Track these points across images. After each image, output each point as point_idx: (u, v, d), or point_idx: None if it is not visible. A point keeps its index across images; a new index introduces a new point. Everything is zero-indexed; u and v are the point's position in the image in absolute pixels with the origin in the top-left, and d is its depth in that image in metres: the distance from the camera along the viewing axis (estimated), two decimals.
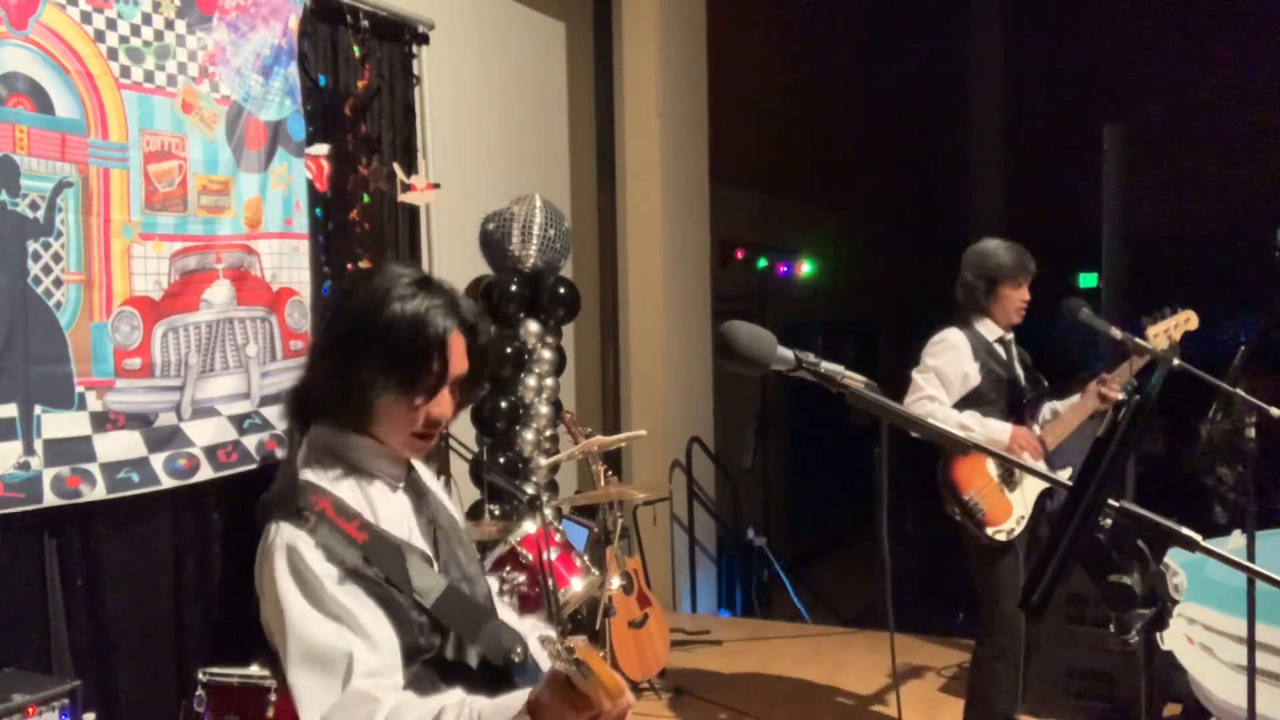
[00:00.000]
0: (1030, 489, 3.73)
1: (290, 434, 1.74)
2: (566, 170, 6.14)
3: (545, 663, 1.74)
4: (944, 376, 3.73)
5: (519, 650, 1.69)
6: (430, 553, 1.70)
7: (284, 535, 1.58)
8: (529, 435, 5.05)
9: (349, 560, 1.57)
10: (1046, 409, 3.86)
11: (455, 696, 1.56)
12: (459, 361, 1.68)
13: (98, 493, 3.17)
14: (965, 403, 3.75)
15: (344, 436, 1.69)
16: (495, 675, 1.67)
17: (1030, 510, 3.71)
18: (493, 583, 1.99)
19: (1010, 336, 3.85)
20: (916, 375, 3.79)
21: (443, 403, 1.68)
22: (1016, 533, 3.66)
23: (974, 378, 3.75)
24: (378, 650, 1.56)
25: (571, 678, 1.43)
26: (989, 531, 3.64)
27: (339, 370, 1.64)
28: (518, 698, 1.51)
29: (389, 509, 1.69)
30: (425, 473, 1.87)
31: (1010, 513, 3.67)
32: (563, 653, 1.41)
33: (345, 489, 1.65)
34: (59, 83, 3.09)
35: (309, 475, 1.65)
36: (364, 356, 1.62)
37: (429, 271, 1.76)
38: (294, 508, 1.59)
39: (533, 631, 1.88)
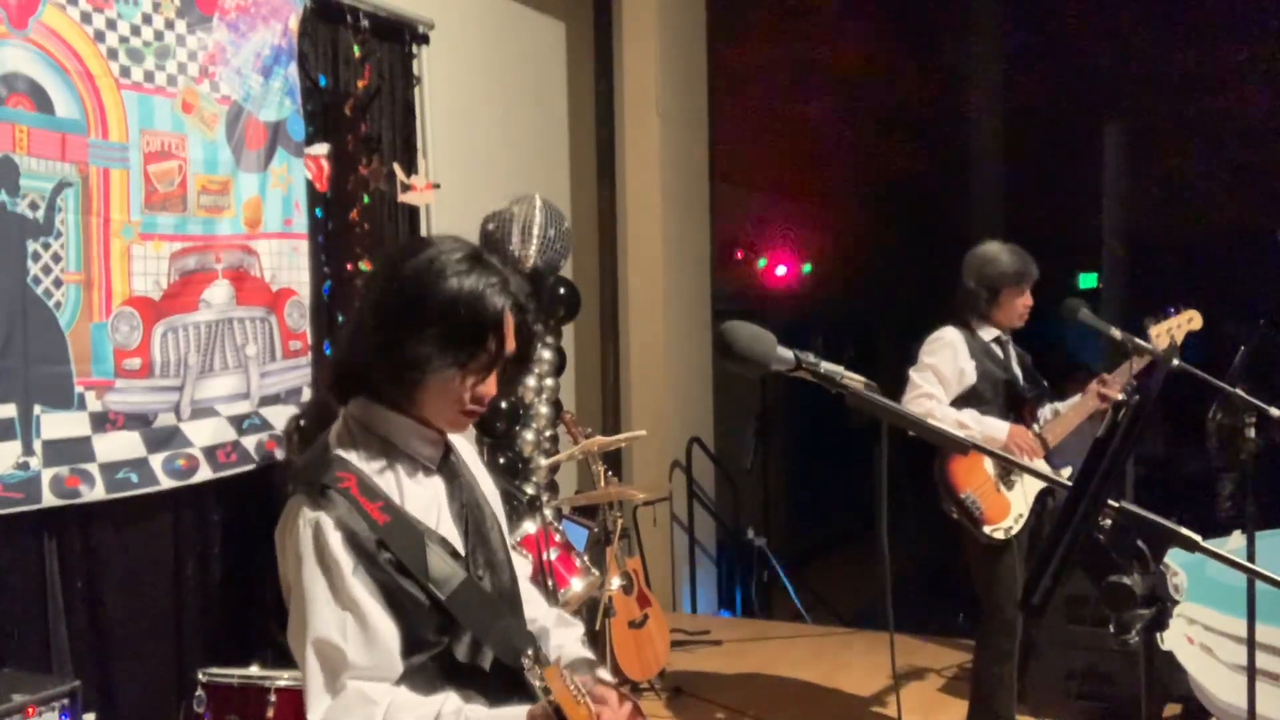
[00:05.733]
0: (1030, 487, 3.73)
1: (307, 416, 1.72)
2: (566, 170, 6.14)
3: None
4: (940, 374, 3.73)
5: (530, 653, 1.67)
6: (459, 539, 1.69)
7: (305, 514, 1.57)
8: (529, 435, 5.05)
9: (365, 543, 1.56)
10: (1047, 409, 3.86)
11: (452, 704, 1.56)
12: (509, 340, 1.68)
13: (97, 493, 3.18)
14: (962, 401, 3.75)
15: (382, 413, 1.67)
16: (507, 677, 1.65)
17: (1030, 509, 3.71)
18: None
19: (1007, 337, 3.86)
20: (913, 374, 3.79)
21: (491, 381, 1.67)
22: (1015, 531, 3.66)
23: (970, 375, 3.74)
24: (373, 646, 1.55)
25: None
26: (986, 530, 3.64)
27: (391, 344, 1.62)
28: (514, 715, 1.52)
29: (419, 494, 1.67)
30: (465, 449, 1.85)
31: (1008, 511, 3.67)
32: (539, 692, 1.42)
33: (375, 468, 1.64)
34: (59, 83, 3.09)
35: (339, 450, 1.64)
36: (419, 331, 1.60)
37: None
38: (319, 483, 1.58)
39: (558, 625, 1.88)
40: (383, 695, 1.54)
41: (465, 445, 1.86)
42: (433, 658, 1.61)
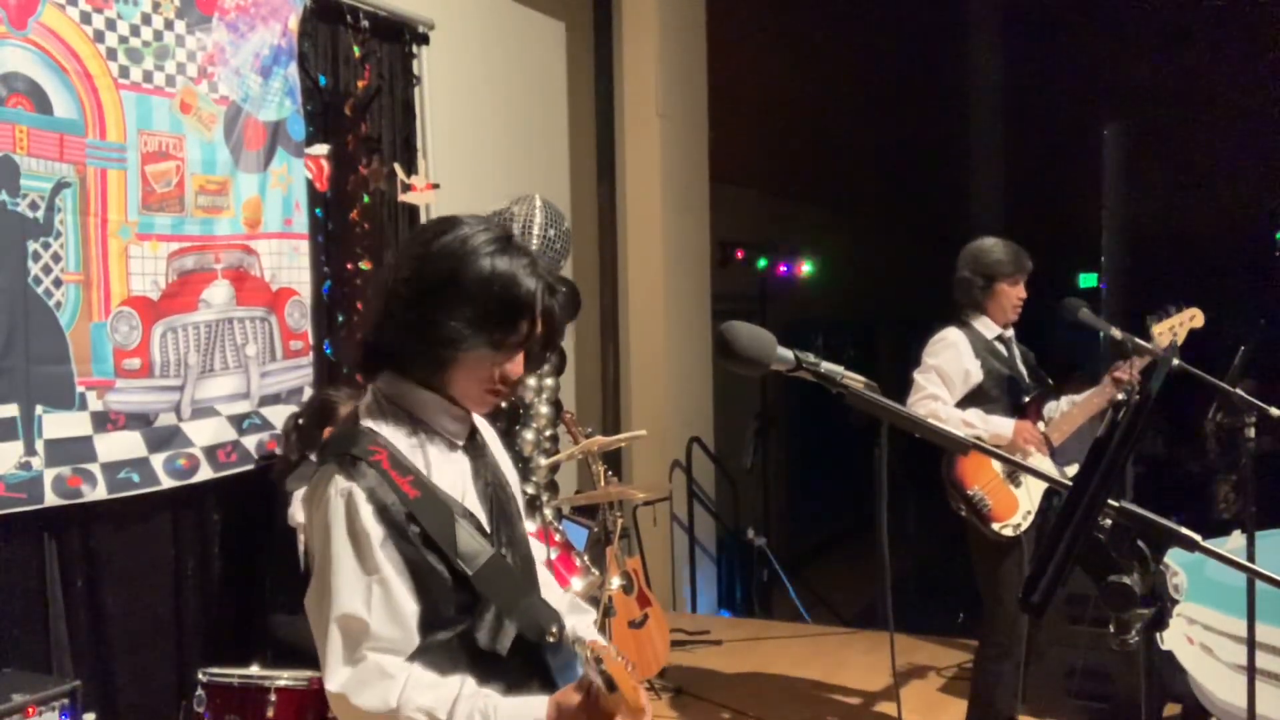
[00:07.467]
0: (1036, 484, 3.73)
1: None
2: (566, 170, 6.14)
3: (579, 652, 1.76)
4: (945, 375, 3.74)
5: (554, 630, 1.69)
6: (485, 516, 1.71)
7: (338, 485, 1.59)
8: (529, 435, 5.05)
9: (396, 516, 1.58)
10: (1052, 406, 3.86)
11: (470, 686, 1.57)
12: (539, 322, 1.69)
13: (98, 493, 3.18)
14: (968, 401, 3.76)
15: (411, 389, 1.69)
16: (525, 659, 1.67)
17: (1037, 505, 3.71)
18: None
19: (1010, 334, 3.86)
20: (918, 375, 3.80)
21: (519, 362, 1.69)
22: (1023, 528, 3.66)
23: (975, 375, 3.75)
24: (395, 620, 1.57)
25: (598, 688, 1.44)
26: (995, 527, 3.64)
27: (426, 322, 1.63)
28: (537, 703, 1.54)
29: (446, 470, 1.69)
30: (488, 431, 1.86)
31: (1016, 508, 3.67)
32: (591, 662, 1.42)
33: (404, 443, 1.66)
34: (58, 83, 3.09)
35: (370, 423, 1.66)
36: (455, 310, 1.62)
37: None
38: (351, 456, 1.60)
39: (571, 610, 1.89)
40: (400, 670, 1.56)
41: (488, 427, 1.88)
42: (453, 636, 1.62)
